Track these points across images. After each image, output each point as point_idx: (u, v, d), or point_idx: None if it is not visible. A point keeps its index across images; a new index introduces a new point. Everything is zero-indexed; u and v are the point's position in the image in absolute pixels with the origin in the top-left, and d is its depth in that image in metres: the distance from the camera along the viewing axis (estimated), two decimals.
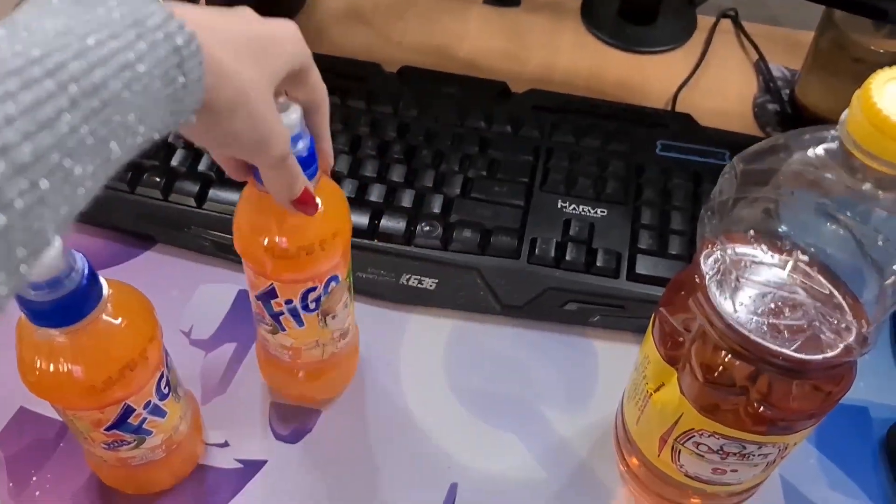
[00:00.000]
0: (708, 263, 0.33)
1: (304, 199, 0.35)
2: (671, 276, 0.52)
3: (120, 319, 0.35)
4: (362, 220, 0.54)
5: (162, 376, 0.39)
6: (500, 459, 0.47)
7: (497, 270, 0.52)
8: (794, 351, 0.31)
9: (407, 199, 0.55)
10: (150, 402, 0.38)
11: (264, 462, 0.46)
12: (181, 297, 0.53)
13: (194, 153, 0.57)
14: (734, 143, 0.60)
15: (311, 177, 0.37)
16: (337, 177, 0.56)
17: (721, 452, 0.36)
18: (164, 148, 0.57)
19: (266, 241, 0.38)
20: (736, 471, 0.38)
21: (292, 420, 0.48)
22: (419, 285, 0.52)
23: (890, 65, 0.58)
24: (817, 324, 0.30)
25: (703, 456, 0.37)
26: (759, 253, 0.30)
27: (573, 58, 0.69)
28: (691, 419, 0.36)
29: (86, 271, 0.33)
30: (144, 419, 0.38)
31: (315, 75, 0.34)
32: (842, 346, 0.31)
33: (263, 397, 0.49)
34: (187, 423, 0.43)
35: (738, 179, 0.31)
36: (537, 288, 0.52)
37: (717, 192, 0.32)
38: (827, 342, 0.31)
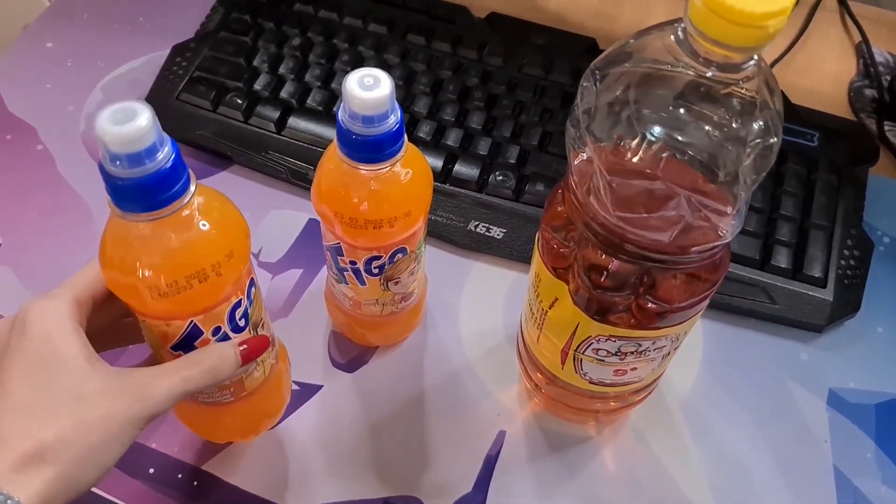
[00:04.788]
0: (578, 170, 0.33)
1: (248, 355, 0.36)
2: (749, 255, 0.51)
3: (201, 224, 0.32)
4: (437, 162, 0.54)
5: (239, 304, 0.35)
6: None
7: None
8: (672, 242, 0.31)
9: (483, 147, 0.54)
10: (219, 328, 0.35)
11: (320, 387, 0.47)
12: (252, 219, 0.53)
13: (278, 79, 0.57)
14: (825, 124, 0.58)
15: (399, 150, 0.36)
16: (415, 118, 0.56)
17: (619, 354, 0.37)
18: (248, 70, 0.58)
19: (338, 206, 0.38)
20: (636, 369, 0.39)
21: (350, 350, 0.49)
22: (487, 233, 0.52)
23: None
24: (689, 213, 0.31)
25: (603, 360, 0.38)
26: (626, 153, 0.31)
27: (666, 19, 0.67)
28: (587, 327, 0.36)
29: (172, 158, 0.30)
30: None
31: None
32: (715, 231, 0.32)
33: (325, 325, 0.50)
34: (263, 373, 0.39)
35: (598, 86, 0.31)
36: None
37: (578, 101, 0.32)
38: (700, 230, 0.31)
